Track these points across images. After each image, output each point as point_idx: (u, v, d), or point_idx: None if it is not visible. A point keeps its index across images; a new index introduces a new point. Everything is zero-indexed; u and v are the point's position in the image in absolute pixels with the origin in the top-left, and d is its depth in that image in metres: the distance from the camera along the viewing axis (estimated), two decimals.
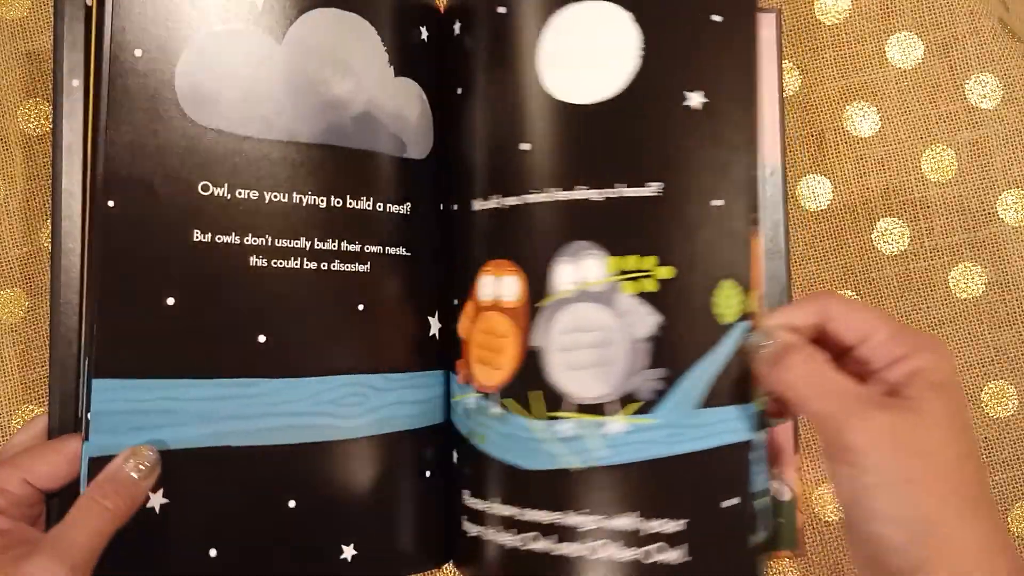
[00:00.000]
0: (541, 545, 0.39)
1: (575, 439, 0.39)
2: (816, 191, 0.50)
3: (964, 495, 0.33)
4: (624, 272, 0.39)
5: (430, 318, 0.45)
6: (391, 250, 0.43)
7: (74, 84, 0.40)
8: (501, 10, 0.42)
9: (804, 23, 0.50)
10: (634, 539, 0.38)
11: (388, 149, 0.44)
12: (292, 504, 0.40)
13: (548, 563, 0.39)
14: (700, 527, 0.38)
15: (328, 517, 0.41)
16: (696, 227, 0.39)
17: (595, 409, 0.39)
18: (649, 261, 0.39)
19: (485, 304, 0.42)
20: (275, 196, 0.41)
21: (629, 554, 0.38)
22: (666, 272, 0.39)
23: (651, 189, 0.39)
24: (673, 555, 0.38)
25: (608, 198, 0.39)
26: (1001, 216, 0.49)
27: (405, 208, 0.44)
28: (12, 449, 0.39)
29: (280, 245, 0.41)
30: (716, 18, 0.39)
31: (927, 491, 0.32)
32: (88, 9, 0.40)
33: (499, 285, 0.41)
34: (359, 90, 0.43)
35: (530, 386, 0.40)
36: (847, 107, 0.50)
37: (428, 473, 0.44)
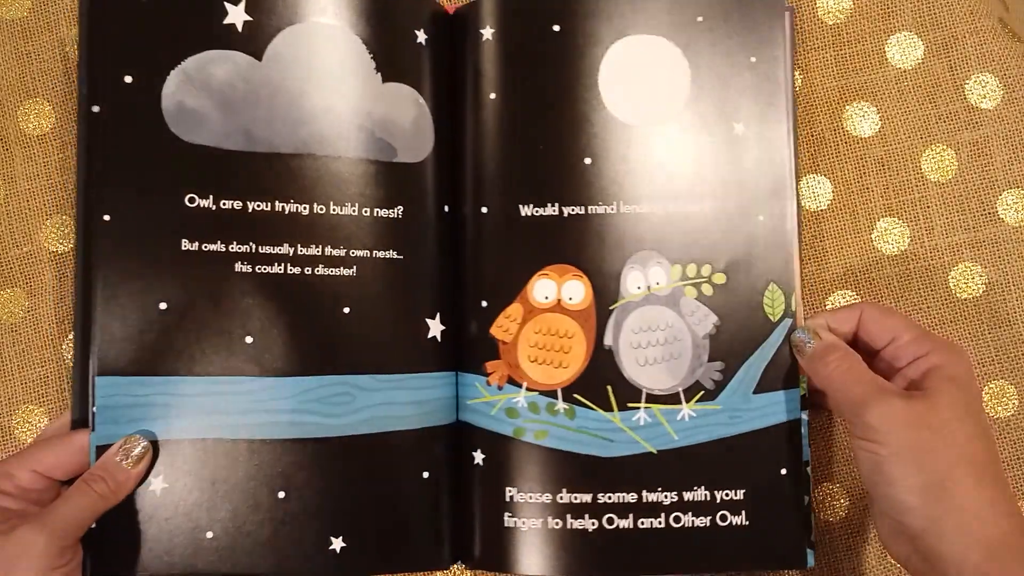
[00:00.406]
0: (622, 524, 0.44)
1: (651, 426, 0.44)
2: (816, 191, 0.50)
3: (972, 465, 0.38)
4: (685, 277, 0.45)
5: (429, 320, 0.45)
6: (380, 254, 0.44)
7: (95, 110, 0.43)
8: (555, 28, 0.45)
9: (805, 22, 0.50)
10: (705, 508, 0.44)
11: (375, 155, 0.44)
12: (282, 495, 0.43)
13: (630, 538, 0.44)
14: (761, 494, 0.44)
15: (316, 509, 0.43)
16: (744, 239, 0.45)
17: (667, 399, 0.45)
18: (705, 269, 0.45)
19: (543, 306, 0.45)
20: (258, 205, 0.43)
21: (702, 521, 0.44)
22: (719, 278, 0.45)
23: (705, 205, 0.45)
24: (738, 519, 0.44)
25: (668, 212, 0.45)
26: (1001, 216, 0.49)
27: (396, 212, 0.45)
28: (40, 439, 0.43)
29: (263, 252, 0.43)
30: (752, 59, 0.46)
31: (937, 459, 0.37)
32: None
33: (562, 288, 0.45)
34: (340, 100, 0.44)
35: (604, 382, 0.45)
36: (847, 107, 0.50)
37: (426, 474, 0.44)
